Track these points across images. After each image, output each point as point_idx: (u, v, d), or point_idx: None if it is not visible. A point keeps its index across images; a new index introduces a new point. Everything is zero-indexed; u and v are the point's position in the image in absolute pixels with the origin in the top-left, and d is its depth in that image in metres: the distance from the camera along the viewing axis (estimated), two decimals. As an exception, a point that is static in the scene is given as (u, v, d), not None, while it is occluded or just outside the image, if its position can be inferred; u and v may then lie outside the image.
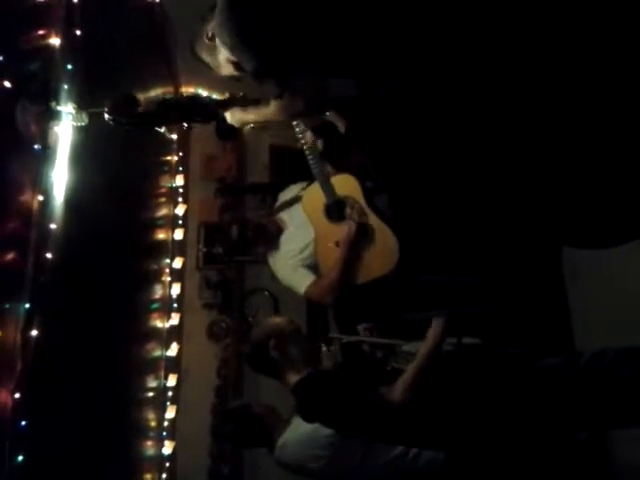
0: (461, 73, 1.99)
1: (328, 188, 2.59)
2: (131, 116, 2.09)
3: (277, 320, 2.33)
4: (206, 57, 2.12)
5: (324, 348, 2.41)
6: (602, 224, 2.33)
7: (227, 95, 2.38)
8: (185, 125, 2.30)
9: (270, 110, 2.17)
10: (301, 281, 2.66)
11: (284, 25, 1.84)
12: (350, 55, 1.88)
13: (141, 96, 3.13)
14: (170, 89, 4.15)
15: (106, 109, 2.06)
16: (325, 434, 2.10)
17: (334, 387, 2.03)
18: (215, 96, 4.13)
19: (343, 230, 2.59)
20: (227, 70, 2.11)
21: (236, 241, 2.74)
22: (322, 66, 1.97)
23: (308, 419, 2.11)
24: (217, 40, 2.00)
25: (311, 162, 2.56)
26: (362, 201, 2.58)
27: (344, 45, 1.85)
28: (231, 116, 2.26)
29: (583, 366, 1.92)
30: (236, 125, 2.29)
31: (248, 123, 2.31)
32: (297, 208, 2.75)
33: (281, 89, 2.07)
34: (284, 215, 2.82)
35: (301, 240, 2.71)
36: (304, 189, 2.75)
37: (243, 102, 2.30)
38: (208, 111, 2.23)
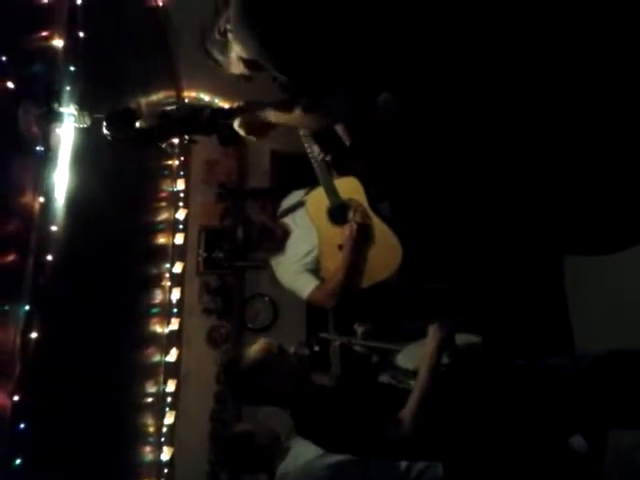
0: (461, 83, 1.97)
1: (332, 191, 2.58)
2: (130, 133, 1.98)
3: (257, 350, 2.11)
4: (216, 53, 2.01)
5: (315, 348, 2.37)
6: (603, 230, 2.32)
7: (233, 104, 2.26)
8: (187, 138, 2.16)
9: (299, 119, 2.03)
10: (305, 286, 2.64)
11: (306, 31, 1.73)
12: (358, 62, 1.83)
13: (141, 104, 3.14)
14: (172, 92, 4.15)
15: (103, 125, 1.97)
16: (324, 465, 2.07)
17: (333, 408, 1.99)
18: (217, 102, 4.20)
19: (345, 232, 2.57)
20: (237, 68, 2.01)
21: (242, 242, 2.70)
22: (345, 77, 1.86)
23: (306, 437, 2.09)
24: (230, 36, 1.89)
25: (315, 165, 2.54)
26: (365, 204, 2.57)
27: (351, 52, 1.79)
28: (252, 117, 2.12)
29: (588, 365, 1.90)
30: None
31: (268, 123, 2.15)
32: (301, 213, 2.74)
33: (313, 101, 1.94)
34: (288, 220, 2.80)
35: (306, 244, 2.69)
36: (307, 194, 2.73)
37: (248, 110, 2.20)
38: (210, 123, 2.11)
